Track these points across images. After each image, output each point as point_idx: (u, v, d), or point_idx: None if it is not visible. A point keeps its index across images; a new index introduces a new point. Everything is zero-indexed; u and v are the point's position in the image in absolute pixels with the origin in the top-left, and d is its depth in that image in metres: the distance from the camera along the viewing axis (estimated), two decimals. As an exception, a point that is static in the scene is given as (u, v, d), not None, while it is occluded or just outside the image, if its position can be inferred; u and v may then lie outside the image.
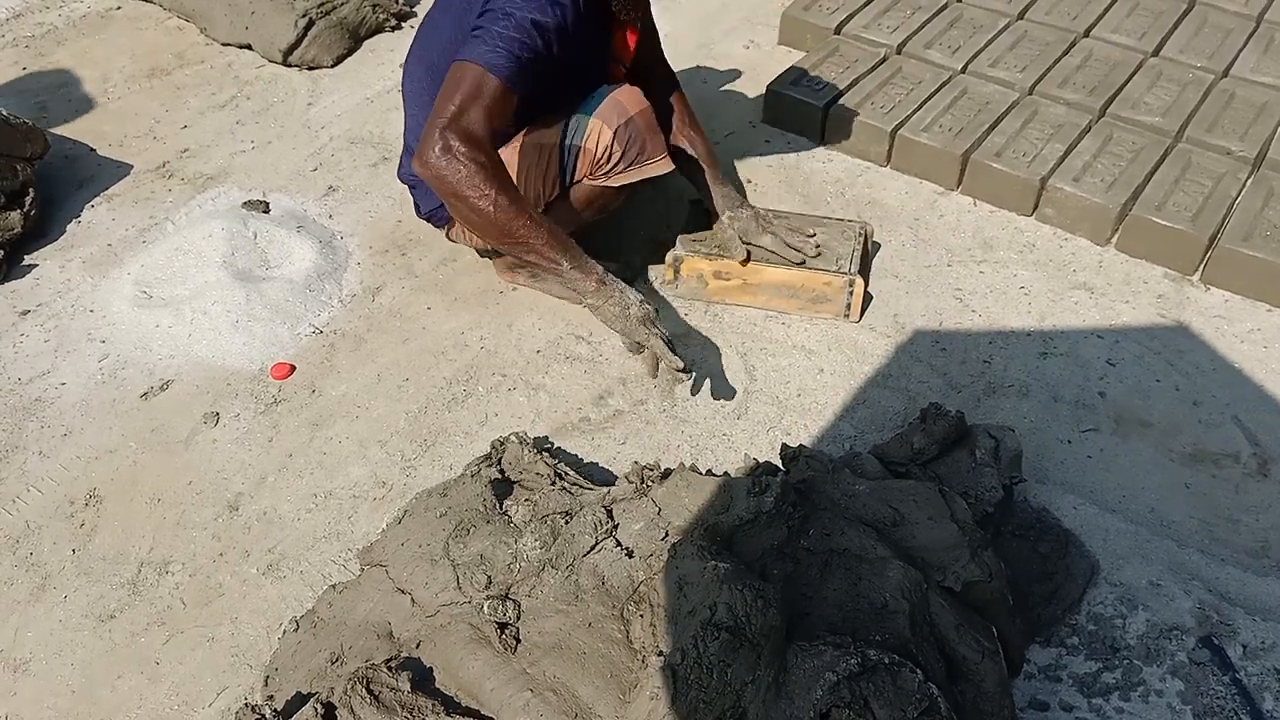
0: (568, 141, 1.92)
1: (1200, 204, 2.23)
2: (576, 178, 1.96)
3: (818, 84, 2.59)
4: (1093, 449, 1.89)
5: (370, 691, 1.34)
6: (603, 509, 1.52)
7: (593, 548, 1.47)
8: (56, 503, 1.82)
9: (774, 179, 2.50)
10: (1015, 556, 1.66)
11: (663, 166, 1.94)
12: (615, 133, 1.88)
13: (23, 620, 1.66)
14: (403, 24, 3.08)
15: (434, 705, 1.34)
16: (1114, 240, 2.30)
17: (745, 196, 2.30)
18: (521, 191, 1.87)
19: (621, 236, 2.31)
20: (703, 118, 2.65)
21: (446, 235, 2.20)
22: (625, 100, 1.89)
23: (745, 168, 2.53)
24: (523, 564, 1.48)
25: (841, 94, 2.56)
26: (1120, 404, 1.97)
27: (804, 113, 2.57)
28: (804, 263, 2.09)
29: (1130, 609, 1.62)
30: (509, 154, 1.95)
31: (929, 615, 1.41)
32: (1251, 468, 1.86)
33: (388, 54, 2.96)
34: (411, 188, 2.15)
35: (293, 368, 2.05)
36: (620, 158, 1.91)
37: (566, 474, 1.69)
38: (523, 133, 1.96)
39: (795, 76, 2.62)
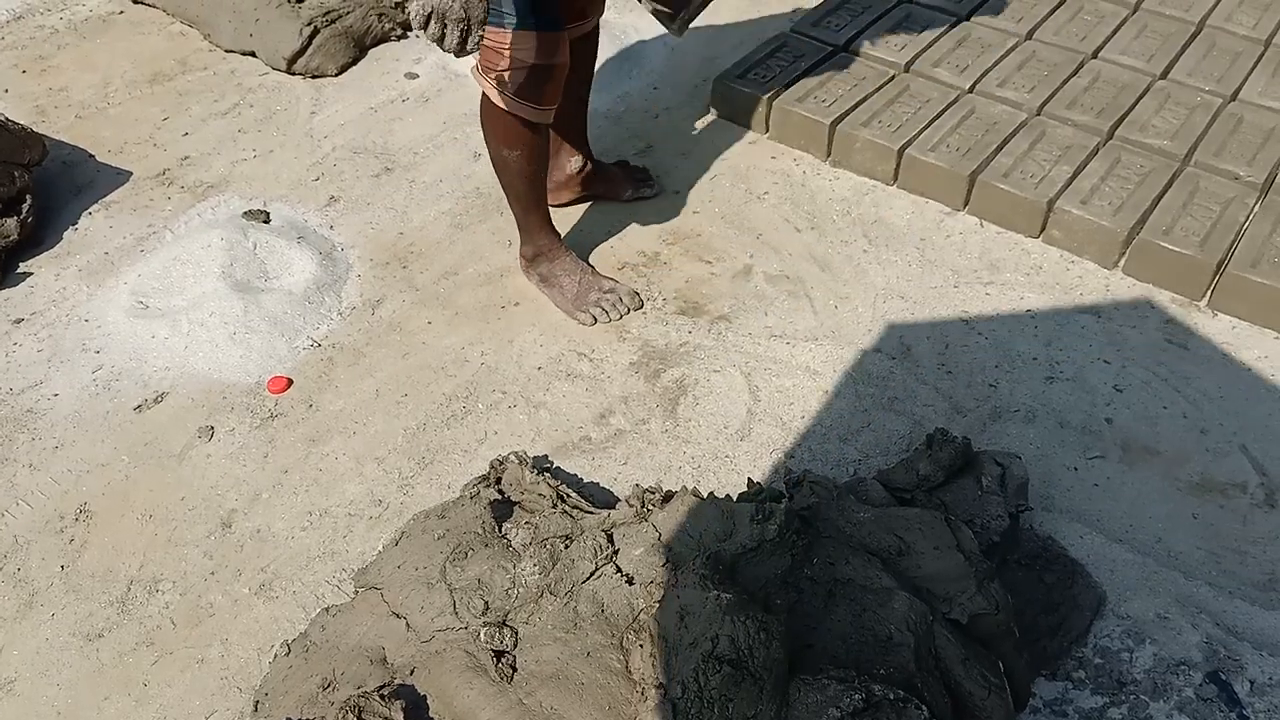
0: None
1: (1208, 229, 2.22)
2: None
3: (824, 100, 2.58)
4: (1099, 477, 1.86)
5: (362, 720, 1.31)
6: (603, 534, 1.49)
7: (592, 574, 1.44)
8: (46, 517, 1.79)
9: (779, 195, 2.47)
10: (1021, 587, 1.63)
11: (544, 116, 1.93)
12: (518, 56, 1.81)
13: (8, 638, 1.63)
14: (408, 33, 3.05)
15: (427, 735, 1.32)
16: (1121, 264, 2.28)
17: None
18: None
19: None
20: (705, 138, 2.65)
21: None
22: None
23: (749, 183, 2.51)
24: (521, 590, 1.45)
25: (848, 111, 2.54)
26: (1127, 431, 1.94)
27: (809, 129, 2.55)
28: None
29: (1137, 642, 1.60)
30: None
31: (934, 648, 1.38)
32: (1259, 498, 1.84)
33: (393, 63, 2.94)
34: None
35: (290, 381, 2.03)
36: (518, 84, 1.85)
37: (569, 495, 1.66)
38: None
39: (801, 93, 2.60)
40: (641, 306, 2.19)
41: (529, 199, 2.11)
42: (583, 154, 2.33)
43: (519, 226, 2.17)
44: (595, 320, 2.14)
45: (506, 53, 1.83)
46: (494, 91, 1.90)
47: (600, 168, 2.40)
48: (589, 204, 2.44)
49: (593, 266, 2.24)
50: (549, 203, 2.29)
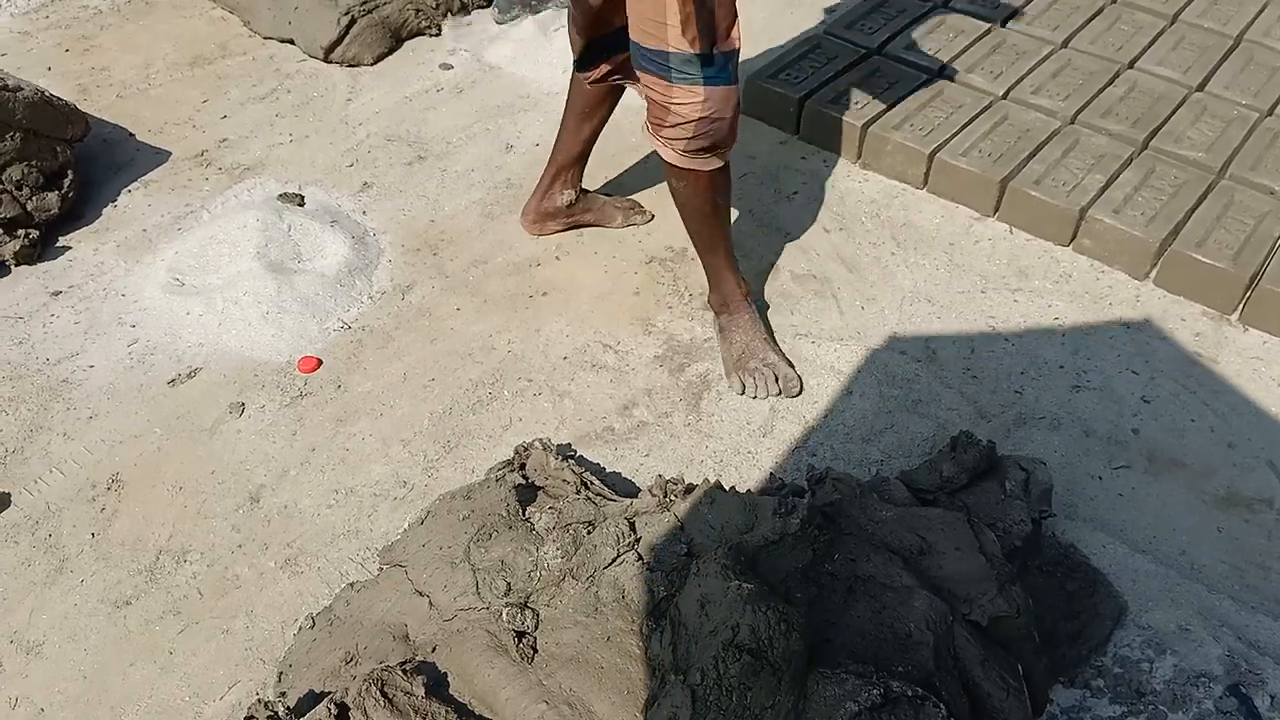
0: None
1: (1241, 243, 2.20)
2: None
3: (857, 102, 2.58)
4: (1124, 487, 1.86)
5: (384, 694, 1.33)
6: (625, 521, 1.51)
7: (614, 560, 1.45)
8: (78, 486, 1.82)
9: (808, 195, 2.48)
10: (1042, 593, 1.63)
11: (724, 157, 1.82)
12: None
13: (39, 602, 1.66)
14: (443, 30, 3.08)
15: (447, 712, 1.33)
16: (1152, 275, 2.26)
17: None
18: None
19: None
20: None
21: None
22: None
23: (778, 182, 2.51)
24: (543, 572, 1.46)
25: (880, 114, 2.54)
26: (1153, 442, 1.93)
27: (841, 130, 2.55)
28: None
29: (1158, 653, 1.59)
30: None
31: (954, 648, 1.38)
32: (1286, 514, 1.83)
33: (428, 54, 2.96)
34: None
35: (320, 362, 2.05)
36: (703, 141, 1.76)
37: (592, 483, 1.67)
38: None
39: (833, 94, 2.61)
40: (798, 393, 2.00)
41: (726, 240, 2.00)
42: (576, 188, 2.30)
43: (714, 274, 2.04)
44: (743, 389, 2.00)
45: (702, 109, 1.71)
46: (675, 153, 1.78)
47: (590, 198, 2.35)
48: (619, 198, 2.44)
49: (770, 332, 2.12)
50: (536, 232, 2.33)
